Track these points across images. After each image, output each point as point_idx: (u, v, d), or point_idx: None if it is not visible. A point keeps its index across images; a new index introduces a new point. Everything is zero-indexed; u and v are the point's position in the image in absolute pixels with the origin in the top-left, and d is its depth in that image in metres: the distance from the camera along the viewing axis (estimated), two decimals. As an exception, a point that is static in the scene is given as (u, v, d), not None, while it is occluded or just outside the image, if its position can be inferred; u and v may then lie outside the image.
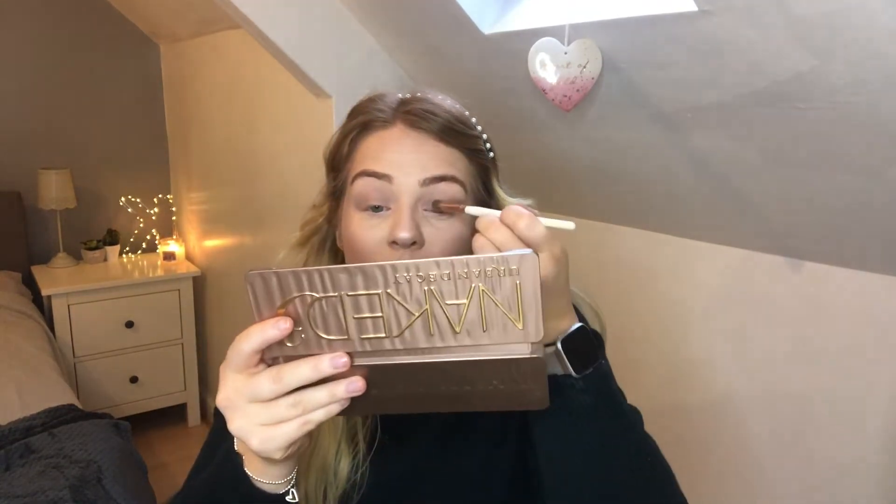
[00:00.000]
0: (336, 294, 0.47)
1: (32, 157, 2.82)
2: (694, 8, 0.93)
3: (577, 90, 1.17)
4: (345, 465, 0.71)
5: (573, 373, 0.58)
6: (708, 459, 1.51)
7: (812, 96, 0.95)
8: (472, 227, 0.65)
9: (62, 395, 1.92)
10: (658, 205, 1.45)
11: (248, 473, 0.58)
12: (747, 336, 1.40)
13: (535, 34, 1.18)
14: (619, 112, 1.25)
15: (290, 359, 0.50)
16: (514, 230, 0.55)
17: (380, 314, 0.48)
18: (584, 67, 1.15)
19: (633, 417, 0.61)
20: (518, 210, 0.55)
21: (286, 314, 0.49)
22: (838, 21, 0.81)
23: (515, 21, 1.26)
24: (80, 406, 1.87)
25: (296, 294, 0.48)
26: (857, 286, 1.21)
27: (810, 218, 1.18)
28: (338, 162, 0.71)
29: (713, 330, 1.47)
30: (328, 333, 0.49)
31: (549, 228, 0.56)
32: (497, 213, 0.57)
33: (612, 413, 0.60)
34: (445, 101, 0.70)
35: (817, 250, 1.24)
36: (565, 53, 1.15)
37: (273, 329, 0.48)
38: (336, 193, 0.72)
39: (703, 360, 1.50)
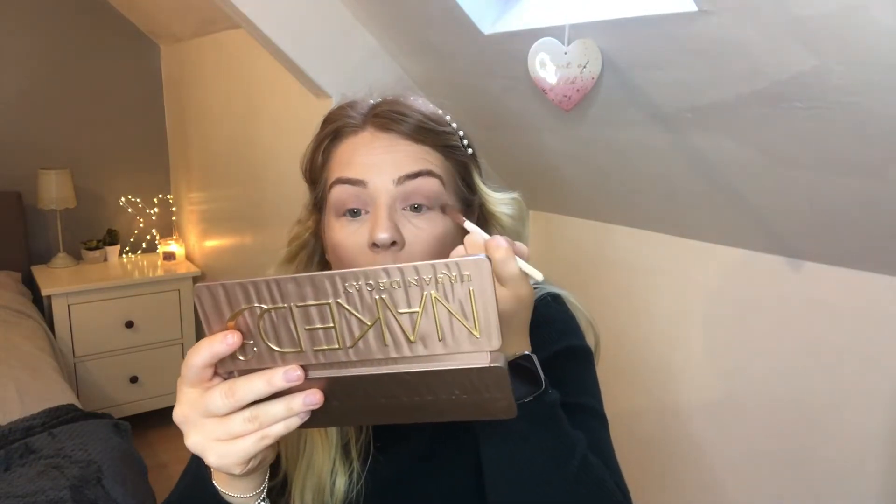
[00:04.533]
0: (285, 305, 0.45)
1: (32, 157, 2.82)
2: (694, 8, 0.93)
3: (577, 90, 1.17)
4: (341, 483, 0.71)
5: None
6: (707, 459, 1.51)
7: (812, 96, 0.94)
8: (454, 226, 0.66)
9: (62, 395, 1.91)
10: (658, 205, 1.45)
11: (217, 487, 0.57)
12: (747, 336, 1.40)
13: (535, 34, 1.18)
14: (619, 112, 1.25)
15: (244, 373, 0.48)
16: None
17: (331, 325, 0.46)
18: (584, 67, 1.14)
19: (574, 447, 0.59)
20: (499, 243, 0.54)
21: (236, 327, 0.47)
22: (838, 21, 0.81)
23: (515, 21, 1.26)
24: (80, 406, 1.87)
25: (244, 306, 0.46)
26: (857, 286, 1.21)
27: (810, 218, 1.18)
28: (314, 173, 0.71)
29: (713, 330, 1.47)
30: (280, 346, 0.47)
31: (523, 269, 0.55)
32: (485, 237, 0.57)
33: (547, 441, 0.58)
34: (416, 102, 0.70)
35: (817, 250, 1.24)
36: (565, 53, 1.15)
37: (220, 344, 0.47)
38: (318, 205, 0.72)
39: (702, 361, 1.50)
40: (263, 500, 0.59)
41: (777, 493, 1.39)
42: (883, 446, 1.21)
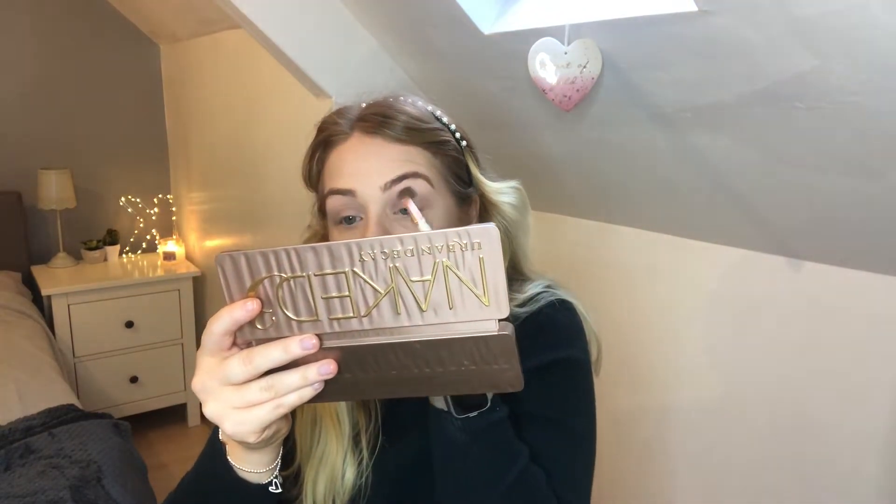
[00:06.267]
0: (304, 274, 0.47)
1: (32, 157, 2.82)
2: (694, 8, 0.93)
3: (577, 90, 1.17)
4: (350, 473, 0.72)
5: (453, 412, 0.60)
6: (708, 459, 1.51)
7: (812, 96, 0.94)
8: (448, 223, 0.68)
9: (62, 395, 1.91)
10: (658, 205, 1.45)
11: (231, 462, 0.59)
12: (747, 336, 1.40)
13: (535, 34, 1.18)
14: (619, 112, 1.25)
15: (262, 342, 0.50)
16: None
17: (347, 294, 0.47)
18: (584, 67, 1.14)
19: (513, 461, 0.61)
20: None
21: (256, 296, 0.48)
22: (838, 21, 0.81)
23: (515, 21, 1.26)
24: (80, 406, 1.87)
25: (265, 275, 0.48)
26: (857, 286, 1.21)
27: (810, 218, 1.18)
28: (312, 182, 0.73)
29: (713, 330, 1.47)
30: (297, 315, 0.49)
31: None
32: (427, 229, 0.58)
33: (486, 454, 0.60)
34: (404, 103, 0.71)
35: (817, 250, 1.24)
36: (565, 53, 1.15)
37: (240, 310, 0.48)
38: (322, 210, 0.74)
39: (702, 361, 1.50)
40: (276, 476, 0.60)
41: (777, 492, 1.39)
42: (883, 446, 1.21)
